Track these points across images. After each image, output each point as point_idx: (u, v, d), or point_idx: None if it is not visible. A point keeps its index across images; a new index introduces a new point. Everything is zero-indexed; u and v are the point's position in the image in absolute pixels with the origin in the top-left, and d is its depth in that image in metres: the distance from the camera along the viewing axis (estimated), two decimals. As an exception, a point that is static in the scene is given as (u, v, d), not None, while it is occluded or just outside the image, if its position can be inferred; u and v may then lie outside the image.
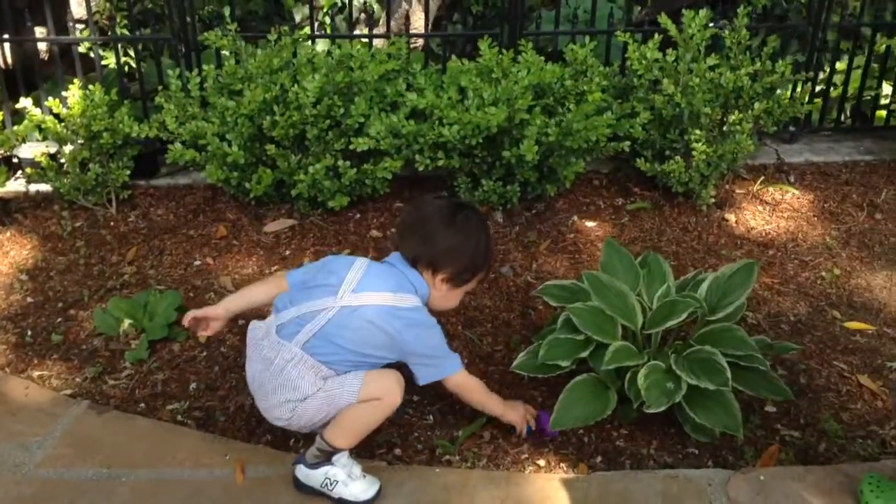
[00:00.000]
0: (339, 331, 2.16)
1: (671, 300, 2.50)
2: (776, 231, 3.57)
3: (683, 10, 3.60)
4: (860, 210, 3.73)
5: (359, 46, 3.68)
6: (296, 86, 3.35)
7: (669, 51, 3.60)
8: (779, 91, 3.69)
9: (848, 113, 4.62)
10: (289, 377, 2.16)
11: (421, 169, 3.43)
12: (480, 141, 3.31)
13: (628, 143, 3.54)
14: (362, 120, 3.39)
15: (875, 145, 4.30)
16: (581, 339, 2.46)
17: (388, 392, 2.19)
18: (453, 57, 3.61)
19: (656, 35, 3.68)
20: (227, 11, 3.75)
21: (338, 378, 2.17)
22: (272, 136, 3.38)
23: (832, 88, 4.45)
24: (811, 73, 4.09)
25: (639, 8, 6.77)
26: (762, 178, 3.93)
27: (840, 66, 4.48)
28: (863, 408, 2.62)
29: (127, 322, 2.89)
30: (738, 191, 3.85)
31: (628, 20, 4.14)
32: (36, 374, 2.75)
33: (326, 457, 2.23)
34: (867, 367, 2.78)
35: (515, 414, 2.43)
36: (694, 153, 3.50)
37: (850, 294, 3.16)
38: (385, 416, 2.23)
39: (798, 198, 3.81)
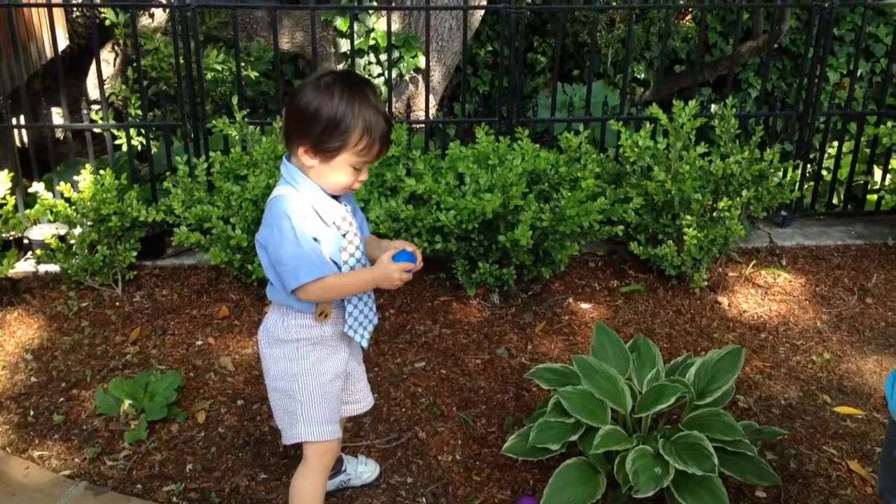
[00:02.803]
0: None
1: (660, 385, 2.55)
2: (768, 314, 3.62)
3: (674, 101, 3.74)
4: (851, 294, 3.79)
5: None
6: (299, 171, 3.46)
7: (661, 138, 3.72)
8: (770, 178, 3.79)
9: (841, 196, 4.72)
10: (265, 321, 2.25)
11: (419, 252, 3.52)
12: (477, 226, 3.40)
13: (622, 227, 3.64)
14: (362, 205, 3.49)
15: (866, 230, 4.38)
16: (571, 423, 2.50)
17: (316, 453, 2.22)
18: (451, 144, 3.73)
19: (647, 123, 3.81)
20: (235, 100, 3.88)
21: (295, 409, 2.20)
22: (275, 220, 3.47)
23: (825, 172, 4.55)
24: (798, 162, 4.20)
25: (641, 89, 6.99)
26: (754, 261, 4.00)
27: (831, 150, 4.59)
28: (852, 493, 2.63)
29: (127, 402, 2.94)
30: (730, 274, 3.92)
31: (622, 107, 4.28)
32: (36, 454, 2.79)
33: None
34: (857, 453, 2.80)
35: (382, 276, 2.09)
36: (685, 238, 3.59)
37: (841, 378, 3.20)
38: (324, 476, 2.27)
39: (790, 281, 3.88)
